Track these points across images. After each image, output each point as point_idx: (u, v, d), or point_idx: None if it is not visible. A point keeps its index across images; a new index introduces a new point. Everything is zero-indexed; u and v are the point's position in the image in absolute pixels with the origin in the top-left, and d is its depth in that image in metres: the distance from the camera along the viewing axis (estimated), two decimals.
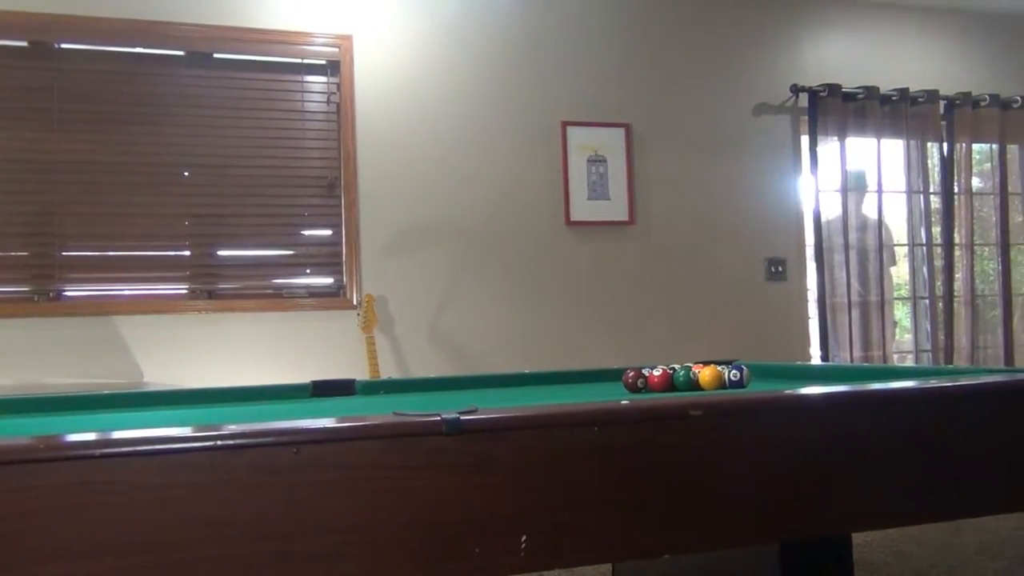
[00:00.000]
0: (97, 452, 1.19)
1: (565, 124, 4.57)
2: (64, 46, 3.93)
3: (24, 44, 3.89)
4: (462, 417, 1.25)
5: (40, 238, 3.84)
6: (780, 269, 4.93)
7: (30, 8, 3.82)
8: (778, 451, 1.39)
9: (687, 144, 4.82)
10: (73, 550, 1.16)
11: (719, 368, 1.94)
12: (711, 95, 4.89)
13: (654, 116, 4.76)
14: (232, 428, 1.24)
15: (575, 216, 4.55)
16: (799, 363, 2.66)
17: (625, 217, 4.64)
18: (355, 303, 4.16)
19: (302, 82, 4.24)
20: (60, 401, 2.28)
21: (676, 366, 2.01)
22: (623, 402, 1.37)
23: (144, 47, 4.03)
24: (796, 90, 4.99)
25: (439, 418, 1.24)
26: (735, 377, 1.92)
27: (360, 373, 3.91)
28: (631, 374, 2.00)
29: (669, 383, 1.95)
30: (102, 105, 3.95)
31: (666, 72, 4.81)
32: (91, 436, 1.23)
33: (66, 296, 3.86)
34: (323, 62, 4.26)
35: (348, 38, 4.26)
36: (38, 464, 1.17)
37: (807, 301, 5.03)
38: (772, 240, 4.93)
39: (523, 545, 1.26)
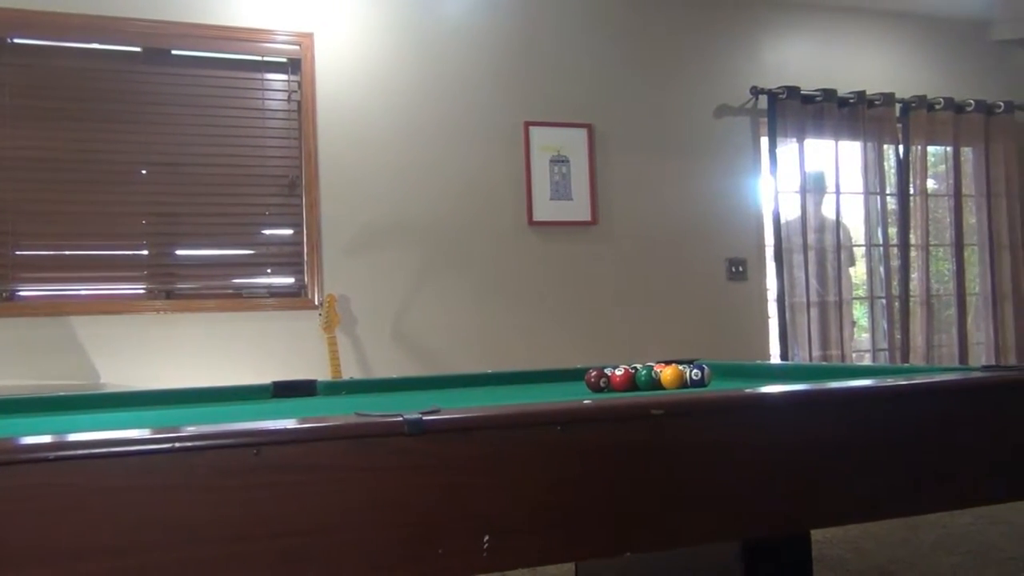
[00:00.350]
0: (52, 455, 1.17)
1: (528, 124, 4.57)
2: (16, 41, 3.85)
3: None
4: (424, 417, 1.25)
5: None
6: (740, 269, 4.98)
7: None
8: (739, 450, 1.40)
9: (649, 145, 4.85)
10: (29, 554, 1.14)
11: (681, 367, 1.95)
12: (673, 96, 4.93)
13: (617, 117, 4.78)
14: (191, 430, 1.22)
15: (538, 216, 4.56)
16: (759, 362, 2.69)
17: (588, 217, 4.65)
18: (317, 303, 4.13)
19: (263, 80, 4.20)
20: (15, 403, 2.23)
21: (638, 365, 2.02)
22: (585, 402, 1.38)
23: (100, 43, 3.96)
24: (756, 92, 5.05)
25: (401, 419, 1.24)
26: (696, 376, 1.93)
27: (322, 373, 3.88)
28: (593, 374, 2.01)
29: (631, 382, 1.96)
30: (57, 102, 3.88)
31: (629, 73, 4.84)
32: (47, 439, 1.21)
33: (19, 296, 3.79)
34: (284, 60, 4.22)
35: (309, 36, 4.23)
36: None
37: (767, 301, 5.09)
38: (733, 240, 4.98)
39: (486, 545, 1.26)
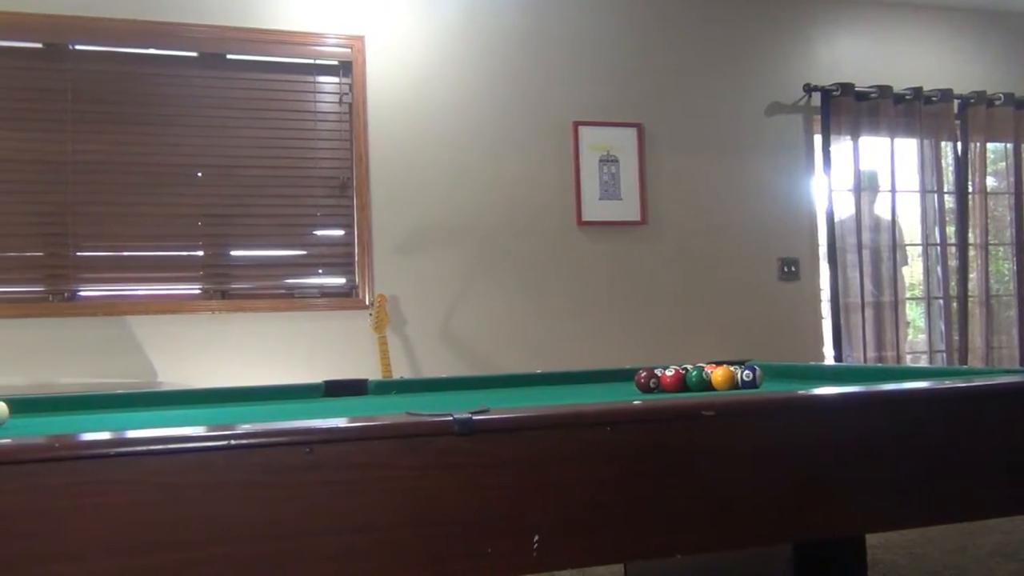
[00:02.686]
0: (112, 451, 1.20)
1: (577, 124, 4.56)
2: (78, 47, 3.95)
3: (39, 46, 3.92)
4: (474, 417, 1.25)
5: (55, 238, 3.86)
6: (793, 269, 4.91)
7: (45, 10, 3.85)
8: (791, 451, 1.39)
9: (699, 144, 4.81)
10: (86, 549, 1.17)
11: (732, 368, 1.93)
12: (724, 95, 4.88)
13: (666, 116, 4.75)
14: (245, 428, 1.24)
15: (587, 216, 4.54)
16: (812, 363, 2.65)
17: (637, 217, 4.63)
18: (367, 303, 4.17)
19: (314, 83, 4.25)
20: (75, 401, 2.29)
21: (688, 366, 2.00)
22: (635, 402, 1.37)
23: (157, 48, 4.04)
24: (809, 89, 4.97)
25: (451, 418, 1.25)
26: (748, 377, 1.91)
27: (372, 373, 3.91)
28: (643, 374, 2.00)
29: (681, 383, 1.94)
30: (116, 106, 3.97)
31: (678, 72, 4.80)
32: (106, 435, 1.24)
33: (81, 296, 3.89)
34: (335, 63, 4.27)
35: (360, 39, 4.27)
36: (53, 463, 1.18)
37: (820, 301, 5.01)
38: (785, 240, 4.92)
39: (535, 545, 1.26)
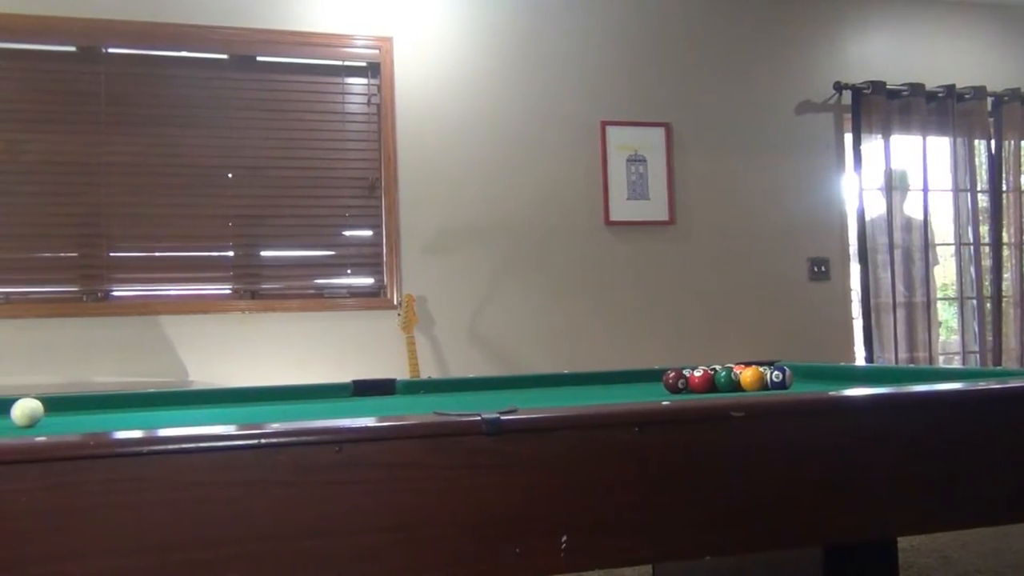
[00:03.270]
0: (144, 449, 1.21)
1: (605, 124, 4.55)
2: (111, 50, 4.01)
3: (73, 49, 3.97)
4: (502, 417, 1.26)
5: (89, 239, 3.92)
6: (823, 269, 4.87)
7: (78, 13, 3.90)
8: (822, 453, 1.37)
9: (728, 143, 4.78)
10: (119, 545, 1.18)
11: (761, 369, 1.92)
12: (753, 93, 4.85)
13: (695, 115, 4.73)
14: (276, 427, 1.26)
15: (614, 216, 4.53)
16: (843, 364, 2.63)
17: (665, 217, 4.61)
18: (395, 303, 4.19)
19: (343, 84, 4.28)
20: (108, 399, 2.32)
21: (717, 367, 1.99)
22: (664, 403, 1.37)
23: (188, 50, 4.09)
24: (839, 87, 4.93)
25: (479, 418, 1.25)
26: (777, 378, 1.90)
27: (400, 372, 3.93)
28: (671, 375, 1.99)
29: (710, 384, 1.93)
30: (147, 108, 4.02)
31: (707, 71, 4.78)
32: (138, 433, 1.25)
33: (114, 296, 3.94)
34: (364, 64, 4.29)
35: (388, 40, 4.29)
36: (87, 460, 1.19)
37: (850, 301, 4.96)
38: (815, 240, 4.88)
39: (563, 545, 1.26)
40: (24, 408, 1.76)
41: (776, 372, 1.91)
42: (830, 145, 4.96)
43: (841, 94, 4.96)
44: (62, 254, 3.89)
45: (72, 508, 1.18)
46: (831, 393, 1.45)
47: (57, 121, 3.91)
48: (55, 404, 2.17)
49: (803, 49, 4.97)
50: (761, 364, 2.31)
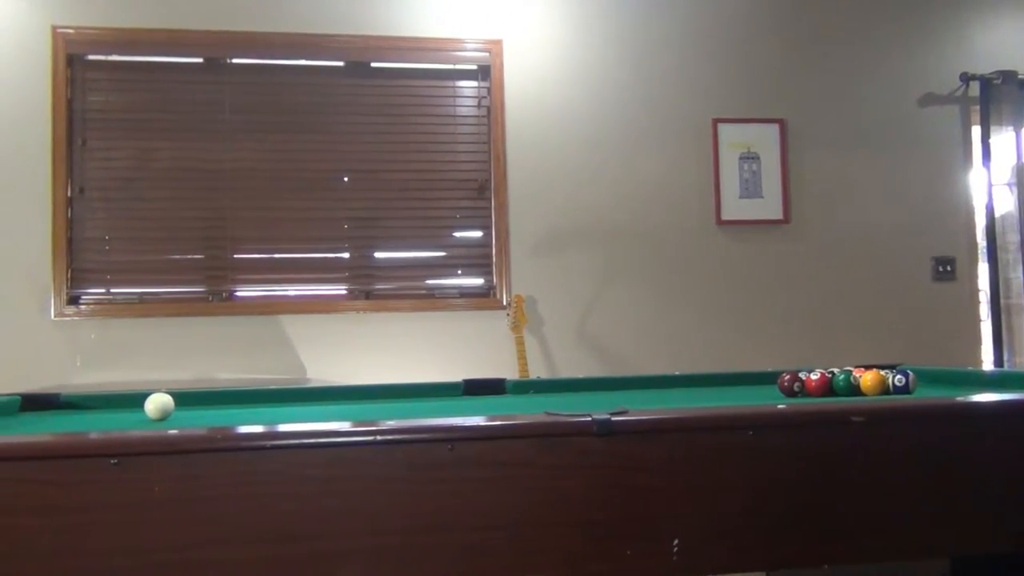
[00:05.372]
0: (267, 444, 1.26)
1: (716, 121, 4.47)
2: (235, 61, 4.18)
3: (200, 60, 4.16)
4: (613, 418, 1.25)
5: (214, 242, 4.10)
6: (948, 268, 4.66)
7: (205, 27, 4.09)
8: (948, 461, 1.32)
9: (847, 138, 4.63)
10: (239, 534, 1.24)
11: (882, 373, 1.85)
12: (873, 86, 4.67)
13: (811, 110, 4.59)
14: (391, 424, 1.29)
15: (726, 215, 4.45)
16: (970, 368, 2.51)
17: (779, 216, 4.50)
18: (505, 303, 4.23)
19: (454, 87, 4.34)
20: (232, 395, 2.43)
21: (835, 370, 1.93)
22: (780, 406, 1.34)
23: (306, 59, 4.22)
24: (966, 79, 4.70)
25: (590, 419, 1.25)
26: (900, 382, 1.83)
27: (510, 372, 3.96)
28: (787, 377, 1.95)
29: (828, 387, 1.88)
30: (268, 115, 4.18)
31: (823, 63, 4.64)
32: (261, 428, 1.31)
33: (237, 296, 4.10)
34: (474, 67, 4.34)
35: (498, 42, 4.33)
36: (213, 453, 1.25)
37: (978, 303, 4.73)
38: (939, 238, 4.67)
39: (675, 549, 1.25)
40: (156, 402, 1.86)
41: (899, 376, 1.84)
42: (956, 139, 4.74)
43: (968, 85, 4.74)
44: (189, 256, 4.08)
45: (198, 498, 1.23)
46: (958, 399, 1.39)
47: (184, 129, 4.10)
48: (184, 399, 2.28)
49: (926, 38, 4.76)
50: (882, 367, 2.22)
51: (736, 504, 1.27)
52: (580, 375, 3.55)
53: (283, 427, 1.32)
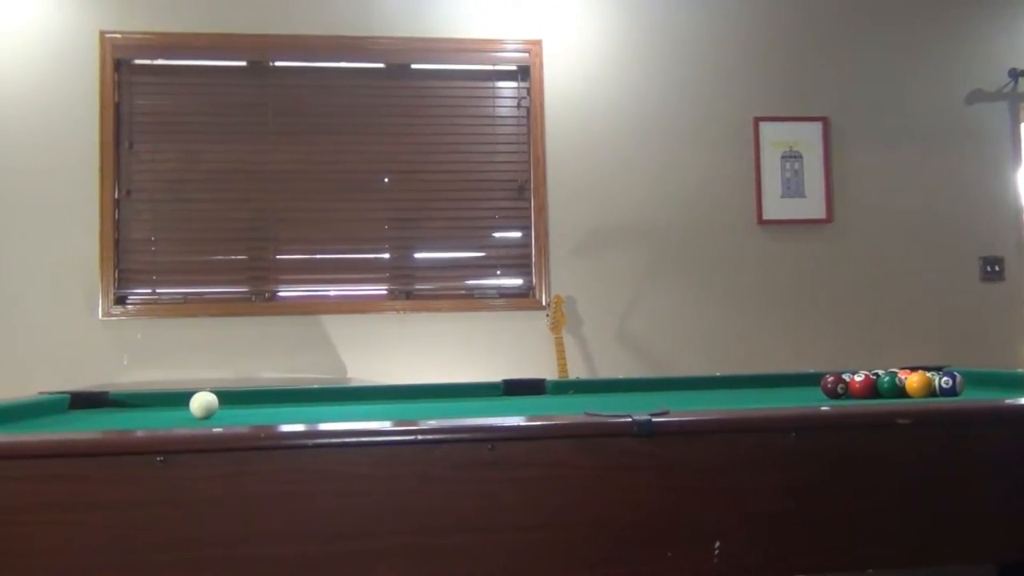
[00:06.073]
0: (310, 443, 1.28)
1: (757, 120, 4.43)
2: (277, 64, 4.23)
3: (244, 64, 4.22)
4: (653, 419, 1.25)
5: (257, 242, 4.15)
6: (997, 268, 4.56)
7: (249, 30, 4.14)
8: (998, 465, 1.29)
9: (891, 136, 4.55)
10: (283, 532, 1.25)
11: (928, 374, 1.82)
12: (918, 83, 4.60)
13: (855, 108, 4.53)
14: (431, 424, 1.29)
15: (768, 215, 4.41)
16: (1020, 371, 2.45)
17: (822, 215, 4.44)
18: (544, 304, 4.22)
19: (493, 88, 4.35)
20: (274, 394, 2.45)
21: (880, 372, 1.90)
22: (823, 408, 1.32)
23: (348, 61, 4.26)
24: (1015, 75, 4.61)
25: (630, 419, 1.25)
26: (947, 384, 1.80)
27: (550, 372, 3.96)
28: (831, 379, 1.92)
29: (872, 389, 1.85)
30: (310, 117, 4.22)
31: (867, 60, 4.57)
32: (302, 427, 1.32)
33: (280, 296, 4.15)
34: (514, 68, 4.35)
35: (538, 43, 4.33)
36: (257, 452, 1.27)
37: None
38: (987, 237, 4.58)
39: (716, 552, 1.24)
40: (201, 401, 1.89)
41: (945, 378, 1.81)
42: (1005, 136, 4.64)
43: (1017, 81, 4.64)
44: (233, 257, 4.14)
45: (242, 496, 1.25)
46: (1007, 401, 1.36)
47: (228, 131, 4.16)
48: (227, 398, 2.31)
49: (973, 34, 4.67)
50: (928, 369, 2.19)
51: (778, 507, 1.26)
52: (620, 376, 3.53)
53: (325, 426, 1.33)
